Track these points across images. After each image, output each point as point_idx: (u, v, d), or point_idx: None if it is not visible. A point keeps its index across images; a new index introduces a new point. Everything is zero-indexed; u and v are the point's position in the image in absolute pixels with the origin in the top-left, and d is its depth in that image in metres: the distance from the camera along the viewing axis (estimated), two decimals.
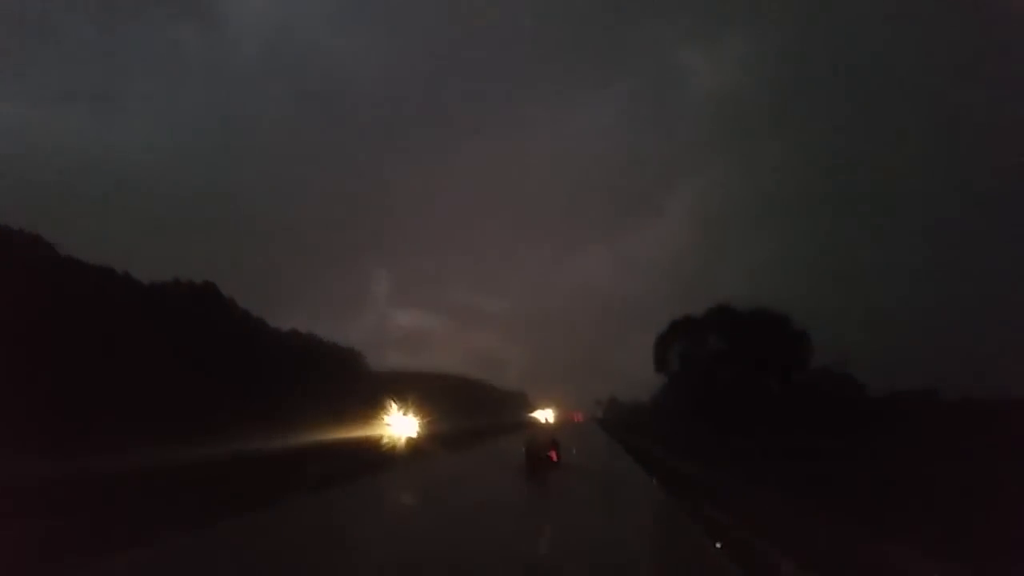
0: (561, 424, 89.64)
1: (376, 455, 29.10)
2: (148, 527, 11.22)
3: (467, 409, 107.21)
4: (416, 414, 37.57)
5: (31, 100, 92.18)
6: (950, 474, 14.98)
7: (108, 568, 9.09)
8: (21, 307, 21.09)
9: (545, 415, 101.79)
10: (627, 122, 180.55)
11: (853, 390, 35.94)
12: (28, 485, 12.89)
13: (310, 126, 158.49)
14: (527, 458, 22.78)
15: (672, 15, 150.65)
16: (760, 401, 35.90)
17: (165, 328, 37.84)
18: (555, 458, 23.01)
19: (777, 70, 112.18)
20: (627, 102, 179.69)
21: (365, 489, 20.19)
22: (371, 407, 59.88)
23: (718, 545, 9.87)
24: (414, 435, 35.08)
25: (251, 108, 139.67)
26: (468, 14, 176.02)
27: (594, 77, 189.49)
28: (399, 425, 35.98)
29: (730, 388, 39.60)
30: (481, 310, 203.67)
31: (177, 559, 9.79)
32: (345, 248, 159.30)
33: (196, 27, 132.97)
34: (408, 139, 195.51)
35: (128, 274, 41.65)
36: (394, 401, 38.40)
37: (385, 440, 33.00)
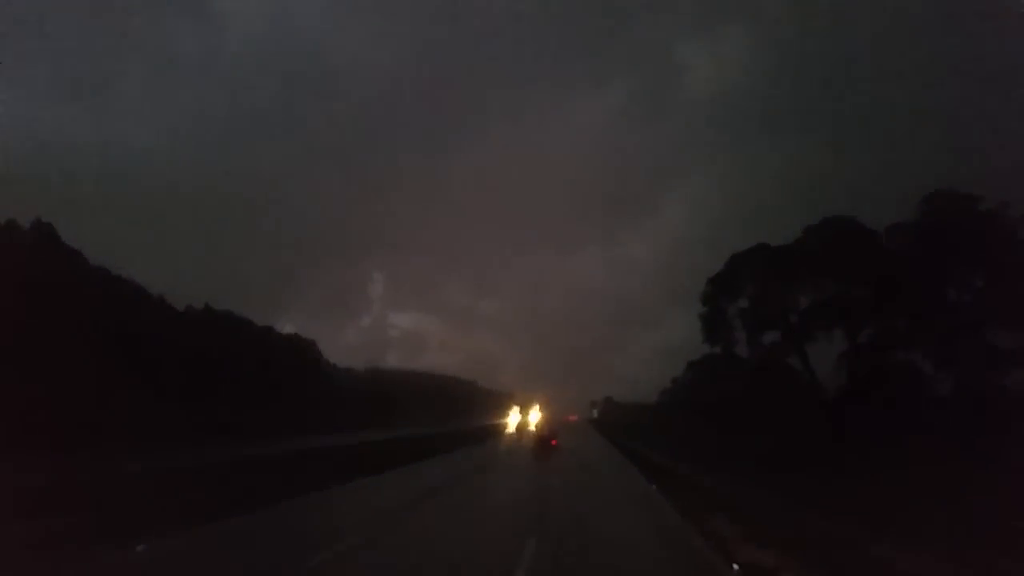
0: (547, 425, 63.33)
1: None
2: None
3: (450, 410, 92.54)
4: None
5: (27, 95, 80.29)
6: None
7: None
8: None
9: (515, 418, 66.52)
10: (623, 122, 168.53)
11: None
12: None
13: (306, 127, 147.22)
14: (535, 444, 30.07)
15: (668, 12, 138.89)
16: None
17: None
18: (555, 443, 30.04)
19: (776, 67, 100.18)
20: (623, 101, 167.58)
21: None
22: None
23: None
24: None
25: (246, 105, 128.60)
26: (464, 16, 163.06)
27: (591, 76, 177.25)
28: None
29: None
30: (476, 312, 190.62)
31: None
32: (342, 250, 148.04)
33: (192, 23, 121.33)
34: (404, 141, 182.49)
35: None
36: None
37: None
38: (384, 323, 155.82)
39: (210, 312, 53.34)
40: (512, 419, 68.02)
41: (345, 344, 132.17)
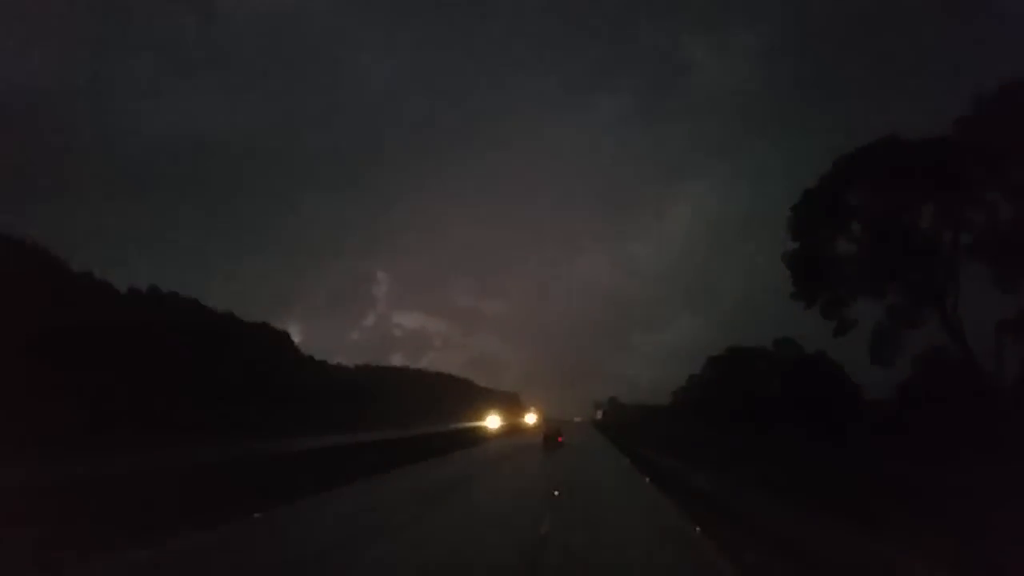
0: (550, 426, 54.29)
1: None
2: None
3: (441, 409, 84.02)
4: None
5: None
6: None
7: None
8: None
9: (495, 422, 61.09)
10: (628, 123, 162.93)
11: None
12: None
13: (309, 127, 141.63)
14: (544, 440, 34.52)
15: (675, 12, 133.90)
16: None
17: None
18: (560, 440, 35.23)
19: (783, 66, 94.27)
20: (628, 102, 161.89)
21: None
22: None
23: None
24: None
25: (250, 104, 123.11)
26: (469, 15, 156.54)
27: (595, 77, 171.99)
28: None
29: None
30: (481, 312, 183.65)
31: None
32: (348, 250, 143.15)
33: (196, 20, 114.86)
34: (409, 141, 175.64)
35: None
36: None
37: None
38: (388, 322, 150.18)
39: (156, 294, 44.38)
40: (491, 423, 59.10)
41: (348, 342, 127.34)
